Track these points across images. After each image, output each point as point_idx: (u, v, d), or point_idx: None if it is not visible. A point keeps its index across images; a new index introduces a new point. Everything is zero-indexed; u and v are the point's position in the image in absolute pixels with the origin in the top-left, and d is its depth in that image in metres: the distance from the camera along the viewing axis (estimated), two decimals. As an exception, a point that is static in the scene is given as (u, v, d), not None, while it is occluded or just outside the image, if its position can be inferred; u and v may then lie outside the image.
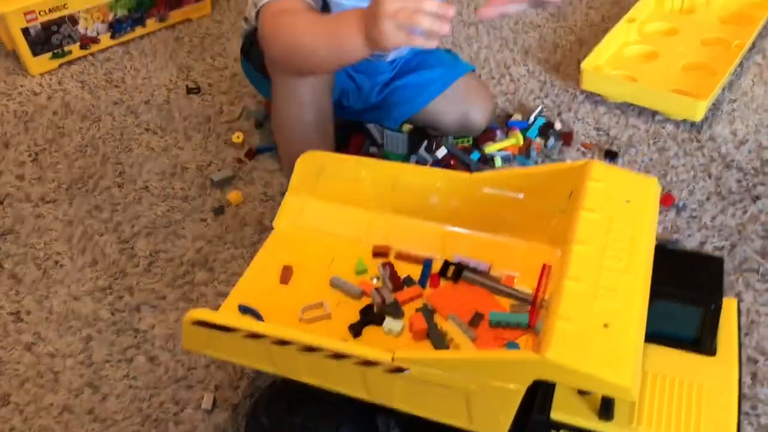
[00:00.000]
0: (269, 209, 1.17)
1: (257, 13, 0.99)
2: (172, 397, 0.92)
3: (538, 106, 1.32)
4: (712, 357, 0.69)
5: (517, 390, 0.61)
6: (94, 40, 1.54)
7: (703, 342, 0.69)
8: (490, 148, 1.19)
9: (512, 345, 0.72)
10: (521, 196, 0.80)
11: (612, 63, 1.40)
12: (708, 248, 1.07)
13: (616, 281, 0.62)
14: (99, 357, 0.98)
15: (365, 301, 0.82)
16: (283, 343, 0.67)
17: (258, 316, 0.79)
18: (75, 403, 0.93)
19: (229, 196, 1.19)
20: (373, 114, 1.24)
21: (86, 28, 1.51)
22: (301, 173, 0.88)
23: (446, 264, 0.85)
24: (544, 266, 0.77)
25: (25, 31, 1.45)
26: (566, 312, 0.60)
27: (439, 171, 0.83)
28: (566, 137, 1.25)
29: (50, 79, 1.49)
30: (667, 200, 1.13)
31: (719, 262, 0.70)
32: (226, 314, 0.74)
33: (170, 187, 1.23)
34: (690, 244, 1.08)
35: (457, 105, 1.21)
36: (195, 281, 1.07)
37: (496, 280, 0.82)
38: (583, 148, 1.25)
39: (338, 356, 0.65)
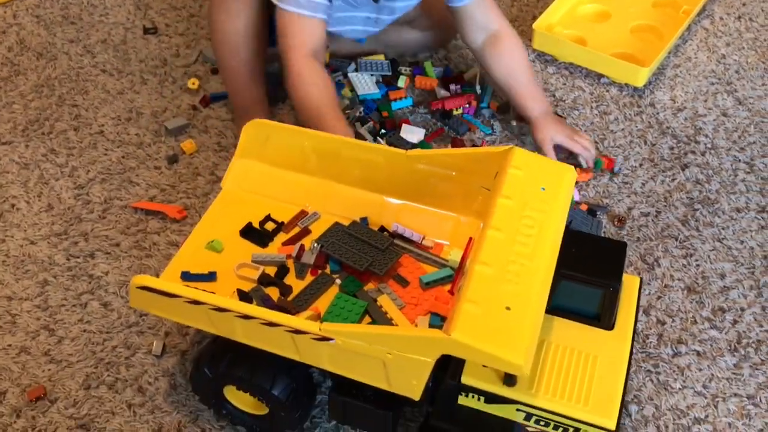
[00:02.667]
0: (222, 160, 1.21)
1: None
2: (124, 342, 0.99)
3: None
4: (610, 331, 0.77)
5: (428, 361, 0.68)
6: (50, -28, 1.52)
7: (602, 318, 0.77)
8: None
9: (435, 317, 0.79)
10: (453, 173, 0.85)
11: (565, 22, 1.43)
12: (635, 213, 1.14)
13: (522, 266, 0.69)
14: (54, 301, 1.03)
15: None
16: (220, 310, 0.73)
17: (202, 277, 0.84)
18: (32, 345, 0.98)
19: (182, 145, 1.22)
20: None
21: (41, -40, 1.49)
22: (248, 139, 0.92)
23: (382, 229, 0.91)
24: (470, 239, 0.83)
25: (-22, -38, 1.42)
26: (474, 295, 0.66)
27: (378, 147, 0.88)
28: (520, 118, 1.26)
29: (4, 12, 1.48)
30: (609, 165, 1.19)
31: (622, 247, 0.77)
32: (169, 282, 0.79)
33: (125, 132, 1.26)
34: (619, 208, 1.15)
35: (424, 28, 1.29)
36: (147, 229, 1.12)
37: (426, 248, 0.88)
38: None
39: (271, 324, 0.72)
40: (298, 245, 0.88)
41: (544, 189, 0.75)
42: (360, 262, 0.83)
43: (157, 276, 1.02)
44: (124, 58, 1.39)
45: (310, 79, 1.07)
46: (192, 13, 1.48)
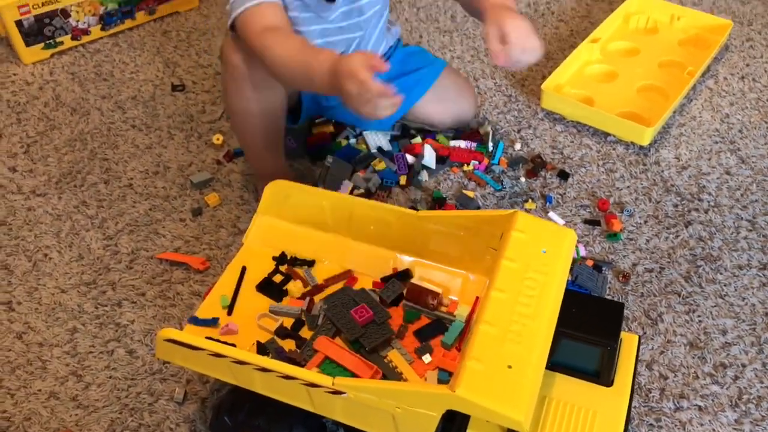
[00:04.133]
0: (244, 213, 1.27)
1: (232, 23, 1.06)
2: (148, 389, 1.04)
3: (499, 122, 1.42)
4: (609, 388, 0.81)
5: (434, 416, 0.72)
6: (85, 32, 1.61)
7: (601, 375, 0.81)
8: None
9: (443, 372, 0.84)
10: (461, 233, 0.90)
11: (573, 82, 1.49)
12: (639, 269, 1.18)
13: (523, 326, 0.73)
14: (83, 348, 1.09)
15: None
16: (240, 362, 0.78)
17: (207, 322, 0.90)
18: (61, 390, 1.04)
19: (207, 199, 1.29)
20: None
21: (78, 21, 1.58)
22: (270, 198, 0.98)
23: (400, 275, 0.96)
24: (477, 298, 0.88)
25: (19, 23, 1.52)
26: (478, 353, 0.71)
27: (390, 207, 0.94)
28: (530, 173, 1.33)
29: (42, 69, 1.56)
30: (615, 226, 1.23)
31: (620, 307, 0.81)
32: (193, 336, 0.84)
33: (153, 185, 1.32)
34: (624, 264, 1.19)
35: (446, 100, 1.33)
36: (172, 279, 1.17)
37: (440, 305, 0.93)
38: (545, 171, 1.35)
39: (287, 377, 0.76)
40: (307, 300, 0.93)
41: (545, 251, 0.80)
42: (352, 331, 0.88)
43: (180, 325, 1.08)
44: (153, 113, 1.46)
45: (274, 40, 1.00)
46: (217, 71, 1.56)
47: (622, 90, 1.47)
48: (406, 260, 0.95)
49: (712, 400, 1.02)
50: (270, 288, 0.96)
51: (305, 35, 1.12)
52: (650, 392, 1.03)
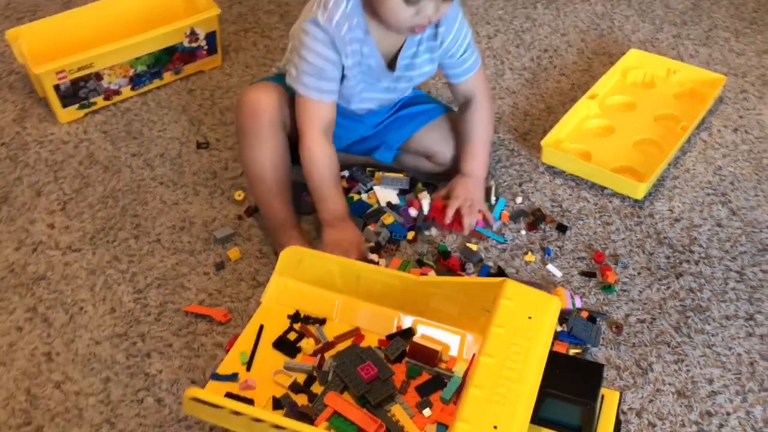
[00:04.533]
0: (263, 266, 1.37)
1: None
2: (175, 435, 1.13)
3: (501, 176, 1.51)
4: (591, 442, 0.89)
5: (432, 470, 0.81)
6: (117, 92, 1.74)
7: (583, 430, 0.89)
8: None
9: (441, 426, 0.93)
10: (458, 297, 0.99)
11: (572, 137, 1.58)
12: (632, 320, 1.26)
13: (509, 389, 0.82)
14: (115, 396, 1.19)
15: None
16: (257, 420, 0.87)
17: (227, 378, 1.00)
18: (96, 436, 1.14)
19: (229, 253, 1.39)
20: (366, 144, 1.46)
21: (110, 83, 1.71)
22: (284, 261, 1.08)
23: (404, 332, 1.05)
24: (473, 356, 0.96)
25: (56, 87, 1.64)
26: (467, 415, 0.80)
27: (394, 273, 1.03)
28: (530, 227, 1.42)
29: (77, 128, 1.69)
30: (610, 278, 1.31)
31: (600, 368, 0.90)
32: (215, 395, 0.94)
33: (179, 240, 1.43)
34: (617, 315, 1.27)
35: (448, 133, 1.43)
36: (197, 332, 1.27)
37: (440, 362, 1.02)
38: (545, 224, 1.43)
39: (299, 433, 0.86)
40: (319, 357, 1.02)
41: (530, 318, 0.88)
42: (358, 388, 0.97)
43: (204, 376, 1.18)
44: (179, 171, 1.57)
45: (318, 155, 1.29)
46: (239, 129, 1.67)
47: (619, 144, 1.56)
48: (408, 319, 1.04)
49: (698, 448, 1.09)
50: (285, 345, 1.05)
51: (350, 91, 1.31)
52: (639, 440, 1.11)
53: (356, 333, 1.06)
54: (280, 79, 1.38)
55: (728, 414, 1.13)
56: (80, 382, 1.21)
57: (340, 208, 1.31)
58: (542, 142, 1.52)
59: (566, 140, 1.57)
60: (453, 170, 1.43)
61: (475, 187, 1.38)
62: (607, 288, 1.30)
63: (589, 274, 1.33)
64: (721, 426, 1.12)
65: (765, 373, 1.18)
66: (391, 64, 1.33)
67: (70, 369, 1.22)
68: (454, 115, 1.46)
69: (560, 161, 1.52)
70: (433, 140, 1.43)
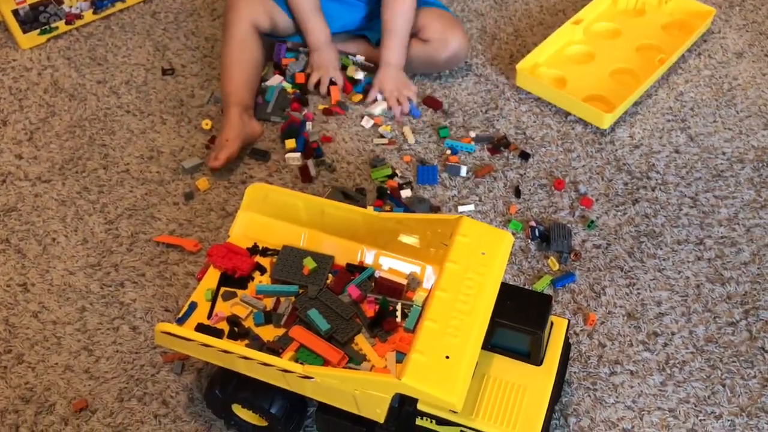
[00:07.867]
0: (231, 196, 1.40)
1: None
2: (150, 361, 1.19)
3: (467, 102, 1.53)
4: (539, 367, 0.96)
5: (386, 397, 0.87)
6: (78, 16, 1.70)
7: (531, 356, 0.95)
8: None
9: (399, 354, 0.98)
10: (417, 232, 1.03)
11: (550, 61, 1.57)
12: (588, 246, 1.32)
13: (461, 321, 0.87)
14: (92, 325, 1.23)
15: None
16: (225, 351, 0.93)
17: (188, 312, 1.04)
18: (75, 363, 1.19)
19: (197, 183, 1.41)
20: (359, 25, 1.58)
21: (71, 6, 1.67)
22: (251, 197, 1.10)
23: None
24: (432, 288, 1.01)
25: (15, 12, 1.61)
26: (421, 347, 0.85)
27: (355, 208, 1.06)
28: (492, 150, 1.44)
29: (39, 54, 1.66)
30: (587, 203, 1.35)
31: (548, 299, 0.95)
32: (185, 329, 0.98)
33: (148, 171, 1.44)
34: (575, 241, 1.32)
35: (442, 26, 1.52)
36: (168, 261, 1.31)
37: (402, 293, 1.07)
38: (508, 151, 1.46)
39: (265, 364, 0.91)
40: (274, 298, 1.07)
41: (484, 253, 0.93)
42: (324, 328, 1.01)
43: (177, 303, 1.22)
44: (146, 99, 1.57)
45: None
46: (205, 54, 1.65)
47: (595, 72, 1.56)
48: (371, 252, 1.08)
49: (643, 366, 1.17)
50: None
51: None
52: (589, 359, 1.18)
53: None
54: None
55: (673, 334, 1.21)
56: (57, 311, 1.25)
57: (322, 36, 1.53)
58: (517, 66, 1.52)
59: (544, 65, 1.57)
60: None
61: (398, 76, 1.53)
62: (591, 224, 1.33)
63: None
64: (665, 345, 1.19)
65: (710, 295, 1.25)
66: None
67: (46, 299, 1.26)
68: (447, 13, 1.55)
69: (532, 86, 1.52)
70: (422, 16, 1.53)
